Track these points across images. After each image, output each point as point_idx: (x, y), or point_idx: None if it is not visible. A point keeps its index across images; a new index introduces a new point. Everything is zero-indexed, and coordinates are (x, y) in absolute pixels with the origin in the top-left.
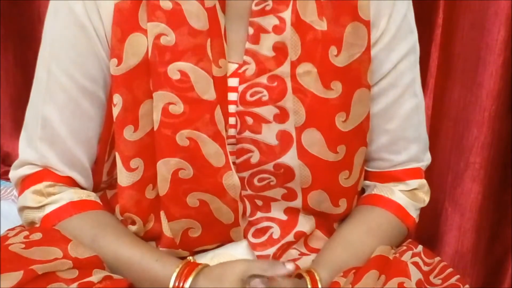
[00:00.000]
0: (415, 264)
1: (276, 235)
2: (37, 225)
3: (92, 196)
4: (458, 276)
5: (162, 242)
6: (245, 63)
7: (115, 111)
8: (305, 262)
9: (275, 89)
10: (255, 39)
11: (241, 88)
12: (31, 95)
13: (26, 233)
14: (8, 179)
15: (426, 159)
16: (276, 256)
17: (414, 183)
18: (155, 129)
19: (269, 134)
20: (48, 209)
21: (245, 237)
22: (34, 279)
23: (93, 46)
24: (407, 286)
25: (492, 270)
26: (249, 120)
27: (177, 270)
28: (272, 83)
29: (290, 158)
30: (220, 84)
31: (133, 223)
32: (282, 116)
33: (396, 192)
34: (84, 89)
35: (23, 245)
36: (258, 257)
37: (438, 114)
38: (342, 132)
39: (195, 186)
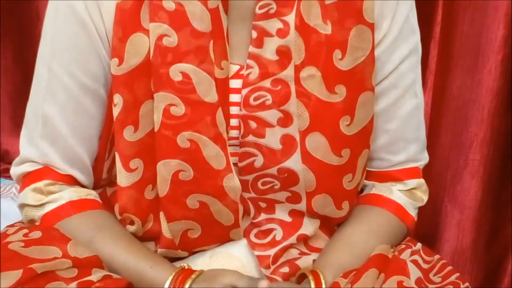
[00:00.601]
0: (414, 262)
1: (278, 237)
2: (37, 223)
3: (92, 195)
4: (457, 274)
5: (161, 243)
6: (248, 67)
7: (116, 111)
8: (305, 261)
9: (278, 93)
10: (259, 43)
11: (244, 92)
12: (31, 92)
13: (25, 231)
14: (7, 177)
15: (424, 159)
16: (278, 257)
17: (412, 182)
18: (155, 130)
19: (272, 138)
20: (47, 208)
21: (247, 237)
22: (33, 278)
23: (94, 44)
24: (406, 284)
25: (491, 267)
26: (253, 124)
27: (171, 277)
28: (275, 87)
29: (294, 162)
30: (222, 86)
31: (132, 223)
32: (285, 120)
33: (395, 192)
34: (86, 87)
35: (23, 244)
36: (258, 257)
37: (438, 111)
38: (347, 136)
39: (195, 188)
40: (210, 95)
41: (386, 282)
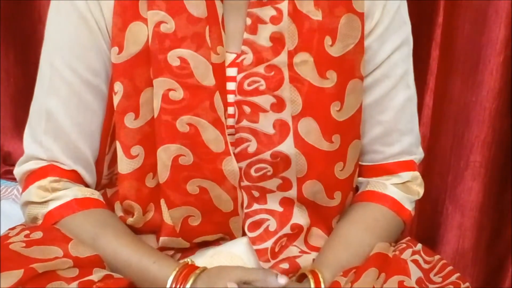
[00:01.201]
0: (415, 262)
1: (272, 228)
2: (40, 221)
3: (96, 195)
4: (458, 274)
5: (163, 231)
6: (243, 53)
7: (116, 99)
8: (306, 260)
9: (272, 79)
10: (253, 30)
11: (239, 77)
12: (35, 91)
13: (26, 232)
14: (9, 179)
15: (418, 153)
16: (275, 251)
17: (407, 175)
18: (155, 116)
19: (266, 123)
20: (52, 205)
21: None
22: (34, 277)
23: (95, 40)
24: (407, 284)
25: (492, 268)
26: (247, 109)
27: (174, 273)
28: (269, 72)
29: (287, 146)
30: (219, 71)
31: (132, 214)
32: (279, 105)
33: (389, 187)
34: (87, 83)
35: (24, 244)
36: (256, 251)
37: (439, 113)
38: (337, 122)
39: (195, 173)
40: (208, 79)
41: (387, 282)
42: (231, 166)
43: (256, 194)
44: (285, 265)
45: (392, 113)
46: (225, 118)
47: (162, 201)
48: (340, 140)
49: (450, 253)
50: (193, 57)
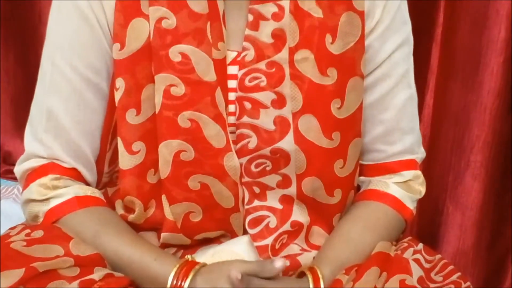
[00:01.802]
0: (416, 261)
1: (272, 224)
2: (41, 219)
3: (97, 193)
4: (459, 273)
5: (164, 227)
6: (244, 49)
7: (118, 95)
8: (306, 258)
9: (273, 75)
10: (255, 26)
11: (240, 73)
12: (36, 89)
13: (27, 231)
14: (9, 178)
15: (420, 152)
16: (275, 248)
17: (408, 174)
18: (156, 111)
19: (266, 119)
20: (53, 203)
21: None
22: (35, 276)
23: (96, 38)
24: (408, 283)
25: (493, 268)
26: (248, 105)
27: (175, 269)
28: (270, 69)
29: (287, 143)
30: (220, 67)
31: (133, 211)
32: (279, 101)
33: (391, 185)
34: (88, 81)
35: (25, 243)
36: (257, 247)
37: (439, 113)
38: (337, 119)
39: (196, 168)
40: (209, 75)
41: (389, 280)
42: (232, 161)
43: (257, 190)
44: (286, 263)
45: (394, 112)
46: (226, 115)
47: (164, 197)
48: (340, 138)
49: (451, 253)
50: (194, 52)
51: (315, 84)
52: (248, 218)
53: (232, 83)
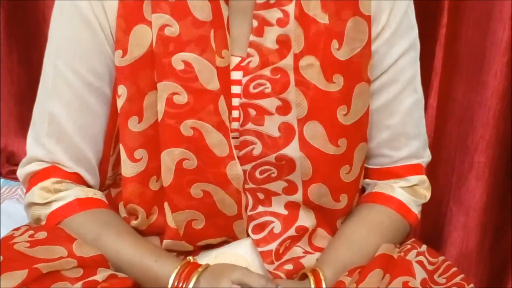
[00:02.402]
0: (420, 263)
1: (277, 230)
2: (43, 222)
3: (98, 195)
4: (462, 275)
5: (166, 234)
6: (248, 55)
7: (120, 102)
8: (310, 260)
9: (278, 82)
10: (259, 32)
11: (244, 80)
12: (38, 92)
13: (31, 232)
14: (12, 179)
15: (426, 156)
16: (279, 253)
17: (414, 179)
18: (159, 119)
19: (271, 126)
20: (54, 206)
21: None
22: (38, 278)
23: (98, 42)
24: (411, 285)
25: (496, 269)
26: (252, 112)
27: (176, 271)
28: (275, 75)
29: (292, 150)
30: (224, 75)
31: (136, 216)
32: (284, 108)
33: (397, 189)
34: (90, 85)
35: (28, 244)
36: (261, 253)
37: (443, 114)
38: (343, 126)
39: (199, 176)
40: (212, 83)
41: (392, 282)
42: (235, 170)
43: (261, 196)
44: (289, 266)
45: (400, 117)
46: (230, 122)
47: (166, 205)
48: (347, 144)
49: (454, 254)
50: (197, 61)
51: (320, 90)
52: (252, 224)
53: (235, 89)
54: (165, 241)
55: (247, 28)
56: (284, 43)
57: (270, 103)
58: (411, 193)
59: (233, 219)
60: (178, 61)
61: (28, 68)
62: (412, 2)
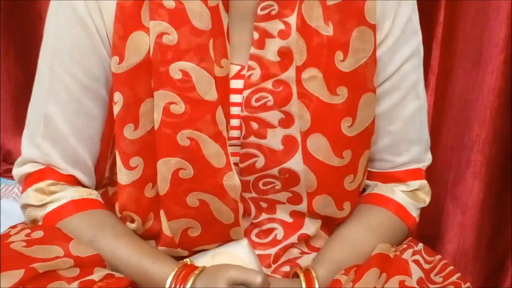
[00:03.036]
0: (416, 262)
1: (279, 236)
2: (40, 223)
3: (94, 195)
4: (459, 274)
5: (161, 241)
6: (250, 68)
7: (116, 109)
8: (306, 260)
9: (280, 94)
10: (260, 44)
11: (246, 93)
12: (33, 93)
13: (27, 231)
14: (9, 177)
15: (427, 160)
16: (278, 256)
17: (415, 184)
18: (155, 128)
19: (274, 139)
20: (49, 208)
21: (247, 236)
22: (35, 277)
23: (95, 45)
24: (408, 284)
25: (493, 268)
26: (254, 125)
27: (173, 273)
28: (277, 88)
29: (296, 163)
30: (222, 85)
31: (132, 221)
32: (287, 121)
33: (397, 192)
34: (87, 88)
35: (24, 243)
36: (259, 256)
37: (440, 112)
38: (348, 137)
39: (195, 186)
40: (210, 94)
41: (388, 281)
42: (232, 181)
43: (264, 205)
44: (286, 268)
45: (401, 123)
46: (228, 131)
47: (162, 212)
48: (351, 155)
49: (451, 252)
50: (195, 70)
51: (323, 103)
52: (255, 230)
53: (234, 97)
54: (159, 249)
55: (247, 36)
56: (286, 55)
57: (273, 116)
58: (412, 197)
59: (230, 227)
60: (175, 70)
61: (25, 66)
62: (416, 6)
